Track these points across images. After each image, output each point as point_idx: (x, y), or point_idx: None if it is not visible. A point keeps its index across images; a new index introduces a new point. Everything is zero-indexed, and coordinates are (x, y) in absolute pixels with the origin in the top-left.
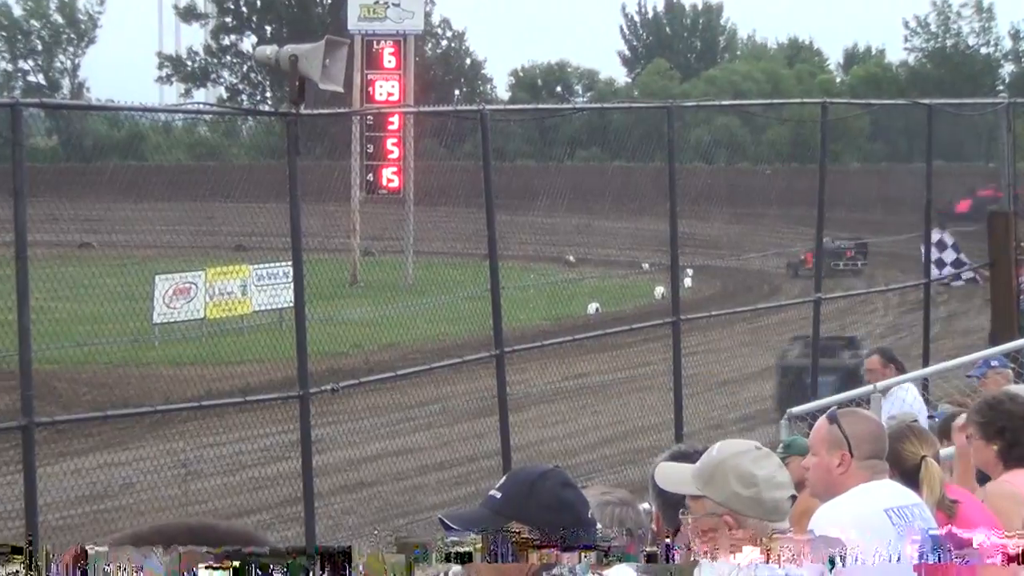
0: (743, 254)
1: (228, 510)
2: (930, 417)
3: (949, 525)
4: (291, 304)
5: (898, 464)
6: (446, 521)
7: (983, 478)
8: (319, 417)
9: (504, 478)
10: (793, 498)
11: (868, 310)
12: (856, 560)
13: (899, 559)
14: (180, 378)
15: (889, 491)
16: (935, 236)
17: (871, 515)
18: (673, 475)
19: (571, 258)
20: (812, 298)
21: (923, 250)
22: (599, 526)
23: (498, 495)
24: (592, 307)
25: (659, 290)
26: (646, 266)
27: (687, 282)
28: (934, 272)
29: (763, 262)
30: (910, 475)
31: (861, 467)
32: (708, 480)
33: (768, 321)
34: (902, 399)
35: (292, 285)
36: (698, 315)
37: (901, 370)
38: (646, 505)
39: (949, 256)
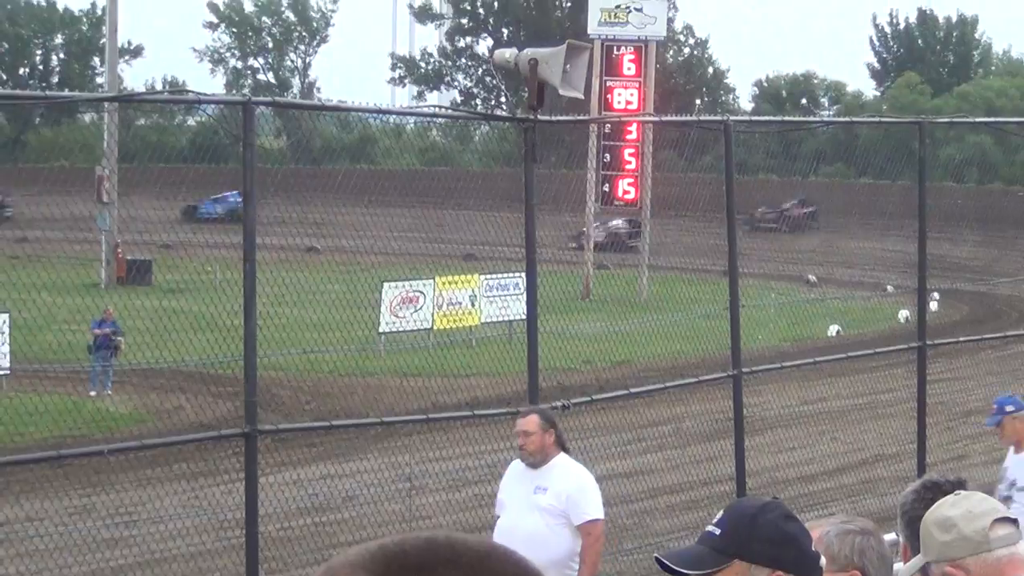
0: (993, 279)
1: (452, 527)
2: None
3: None
4: (521, 316)
5: None
6: (664, 561)
7: None
8: None
9: (721, 513)
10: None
11: None
12: None
13: None
14: (406, 389)
15: None
16: None
17: None
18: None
19: (812, 278)
20: None
21: None
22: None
23: (717, 531)
24: (833, 329)
25: (903, 313)
26: (890, 288)
27: (933, 306)
28: None
29: (1014, 288)
30: None
31: None
32: (922, 549)
33: (1018, 349)
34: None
35: (524, 297)
36: (945, 340)
37: (561, 440)
38: (893, 535)
39: None
